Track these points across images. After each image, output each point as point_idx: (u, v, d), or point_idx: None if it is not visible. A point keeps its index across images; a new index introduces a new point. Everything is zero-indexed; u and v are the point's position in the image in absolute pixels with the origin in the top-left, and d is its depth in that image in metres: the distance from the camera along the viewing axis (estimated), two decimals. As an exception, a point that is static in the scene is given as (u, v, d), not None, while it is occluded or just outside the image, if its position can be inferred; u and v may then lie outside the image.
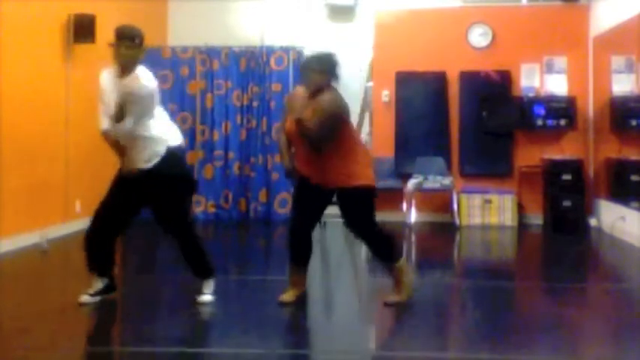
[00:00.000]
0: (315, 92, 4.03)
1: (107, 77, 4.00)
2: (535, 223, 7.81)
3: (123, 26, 3.99)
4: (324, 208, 4.27)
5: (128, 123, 3.90)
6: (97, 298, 4.18)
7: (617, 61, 7.22)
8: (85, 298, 4.16)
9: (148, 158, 4.01)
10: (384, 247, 4.20)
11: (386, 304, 4.19)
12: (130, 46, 3.88)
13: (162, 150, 4.04)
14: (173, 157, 4.13)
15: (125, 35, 3.91)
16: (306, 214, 4.21)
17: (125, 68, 3.91)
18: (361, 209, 4.13)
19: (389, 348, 3.71)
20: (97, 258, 4.20)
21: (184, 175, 4.44)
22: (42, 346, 3.49)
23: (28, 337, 3.62)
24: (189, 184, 4.49)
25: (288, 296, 4.20)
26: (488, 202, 7.80)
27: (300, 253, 4.24)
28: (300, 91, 4.15)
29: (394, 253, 4.21)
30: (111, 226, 4.16)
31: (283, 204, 8.04)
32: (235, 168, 8.12)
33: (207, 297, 4.21)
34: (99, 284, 4.20)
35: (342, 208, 4.15)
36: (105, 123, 3.98)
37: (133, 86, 3.88)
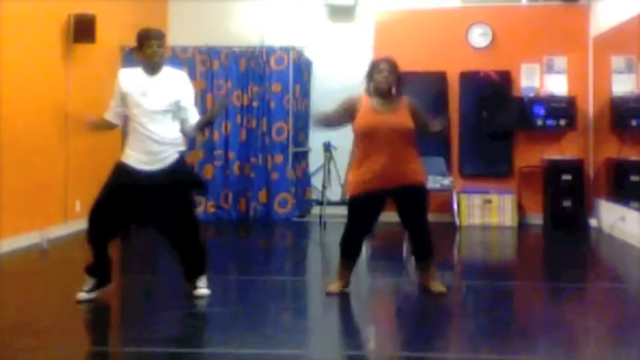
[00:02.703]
0: (386, 93, 4.32)
1: (132, 78, 4.14)
2: (535, 223, 7.81)
3: (150, 28, 4.18)
4: (378, 216, 4.54)
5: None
6: (94, 294, 4.20)
7: (617, 61, 7.22)
8: (81, 295, 4.18)
9: (176, 149, 4.22)
10: (430, 241, 4.52)
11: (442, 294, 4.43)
12: (160, 45, 4.10)
13: (182, 148, 4.31)
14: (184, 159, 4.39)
15: (157, 35, 4.11)
16: (364, 225, 4.50)
17: (157, 67, 4.12)
18: (425, 205, 4.51)
19: (389, 348, 3.71)
20: (101, 261, 4.23)
21: (196, 175, 4.64)
22: (42, 346, 3.50)
23: (28, 337, 3.62)
24: (201, 185, 4.64)
25: (335, 287, 4.45)
26: (488, 202, 7.80)
27: (354, 251, 4.52)
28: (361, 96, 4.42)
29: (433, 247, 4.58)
30: (113, 227, 4.22)
31: (283, 204, 8.05)
32: (235, 168, 8.12)
33: (205, 290, 4.32)
34: (92, 280, 4.23)
35: (412, 205, 4.41)
36: (110, 118, 4.25)
37: (183, 81, 4.22)
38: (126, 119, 4.24)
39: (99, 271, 4.24)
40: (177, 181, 4.19)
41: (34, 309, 4.17)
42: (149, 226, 4.42)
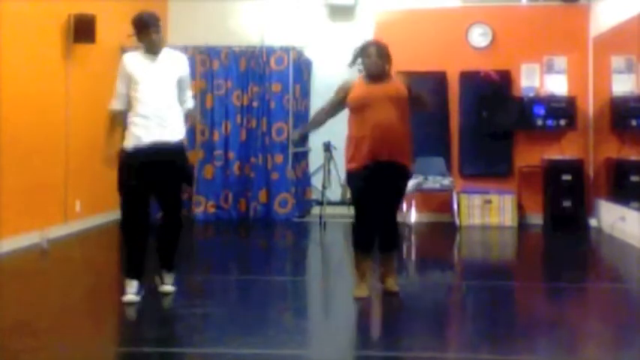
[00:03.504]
0: (377, 78, 4.30)
1: (134, 60, 4.25)
2: (535, 223, 7.81)
3: (144, 14, 4.24)
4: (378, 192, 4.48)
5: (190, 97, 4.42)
6: (142, 294, 4.24)
7: (617, 61, 7.22)
8: (129, 297, 4.19)
9: (179, 131, 4.31)
10: (398, 233, 4.61)
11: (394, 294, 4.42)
12: (157, 31, 4.22)
13: (182, 134, 4.36)
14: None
15: (152, 22, 4.21)
16: (373, 208, 4.37)
17: (157, 50, 4.25)
18: (404, 190, 4.54)
19: (389, 348, 3.71)
20: (138, 258, 4.29)
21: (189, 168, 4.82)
22: (42, 346, 3.50)
23: (28, 337, 3.62)
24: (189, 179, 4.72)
25: (362, 290, 4.38)
26: (488, 202, 7.80)
27: (370, 242, 4.40)
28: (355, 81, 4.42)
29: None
30: (145, 217, 4.28)
31: (283, 204, 8.05)
32: (235, 168, 8.12)
33: (170, 287, 4.42)
34: (134, 281, 4.24)
35: (392, 185, 4.38)
36: (117, 104, 4.27)
37: (183, 61, 4.40)
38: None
39: (138, 269, 4.27)
40: (175, 166, 4.31)
41: (34, 309, 4.17)
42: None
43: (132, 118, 4.24)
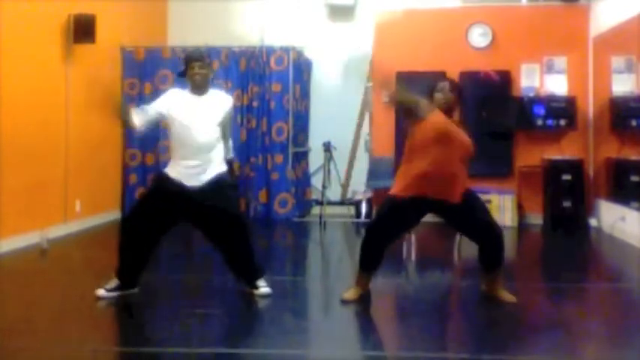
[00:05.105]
0: (447, 110, 4.29)
1: (178, 94, 4.33)
2: (535, 223, 7.81)
3: (190, 51, 4.48)
4: (408, 228, 4.50)
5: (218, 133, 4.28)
6: (114, 294, 4.28)
7: (617, 61, 7.22)
8: (101, 292, 4.26)
9: (212, 171, 4.25)
10: (501, 248, 4.41)
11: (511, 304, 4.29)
12: (202, 66, 4.25)
13: (223, 167, 4.34)
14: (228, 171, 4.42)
15: (196, 56, 4.29)
16: (389, 231, 4.34)
17: (201, 87, 4.28)
18: (475, 203, 4.32)
19: (389, 348, 3.71)
20: (130, 265, 4.34)
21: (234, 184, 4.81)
22: (41, 346, 3.50)
23: (28, 336, 3.62)
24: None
25: (350, 294, 4.34)
26: (488, 202, 7.78)
27: (372, 263, 4.37)
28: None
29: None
30: (149, 237, 4.31)
31: (283, 204, 8.05)
32: (235, 168, 8.11)
33: (265, 289, 4.40)
34: (116, 281, 4.30)
35: (465, 214, 4.25)
36: (137, 120, 4.22)
37: (225, 101, 4.37)
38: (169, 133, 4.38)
39: (125, 274, 4.33)
40: (216, 197, 4.25)
41: (34, 309, 4.17)
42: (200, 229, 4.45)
43: (175, 156, 4.28)
